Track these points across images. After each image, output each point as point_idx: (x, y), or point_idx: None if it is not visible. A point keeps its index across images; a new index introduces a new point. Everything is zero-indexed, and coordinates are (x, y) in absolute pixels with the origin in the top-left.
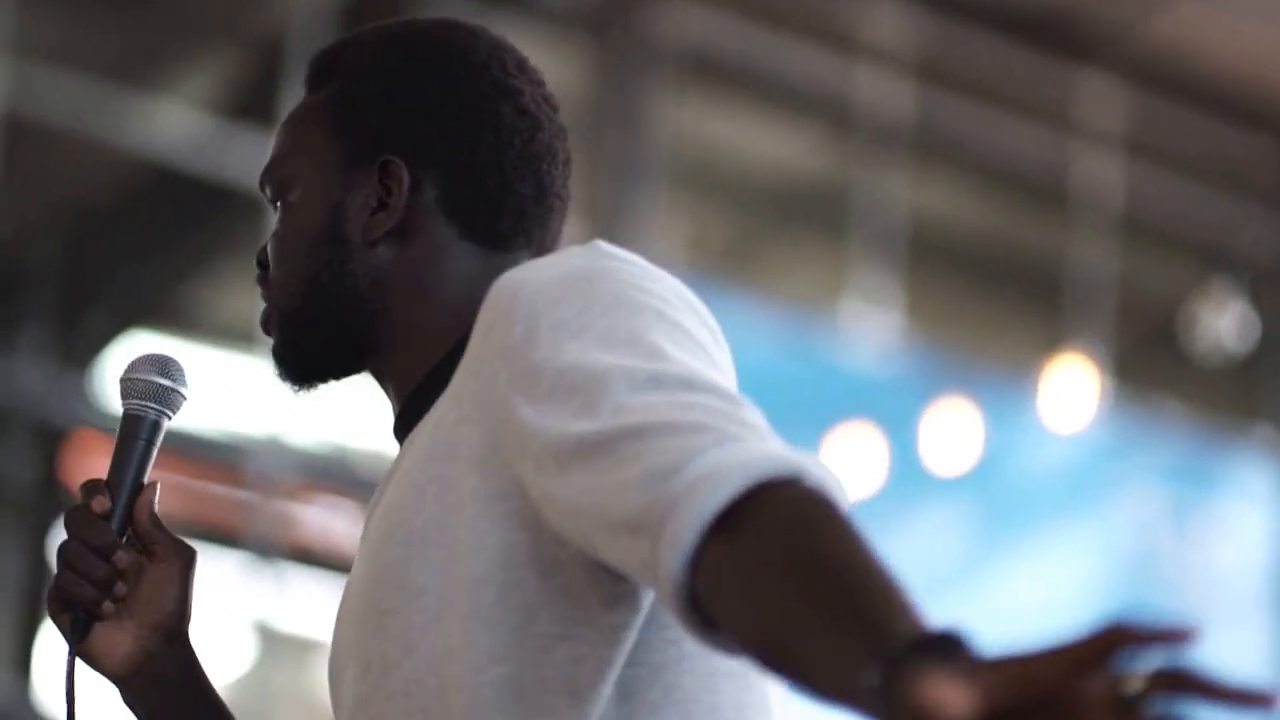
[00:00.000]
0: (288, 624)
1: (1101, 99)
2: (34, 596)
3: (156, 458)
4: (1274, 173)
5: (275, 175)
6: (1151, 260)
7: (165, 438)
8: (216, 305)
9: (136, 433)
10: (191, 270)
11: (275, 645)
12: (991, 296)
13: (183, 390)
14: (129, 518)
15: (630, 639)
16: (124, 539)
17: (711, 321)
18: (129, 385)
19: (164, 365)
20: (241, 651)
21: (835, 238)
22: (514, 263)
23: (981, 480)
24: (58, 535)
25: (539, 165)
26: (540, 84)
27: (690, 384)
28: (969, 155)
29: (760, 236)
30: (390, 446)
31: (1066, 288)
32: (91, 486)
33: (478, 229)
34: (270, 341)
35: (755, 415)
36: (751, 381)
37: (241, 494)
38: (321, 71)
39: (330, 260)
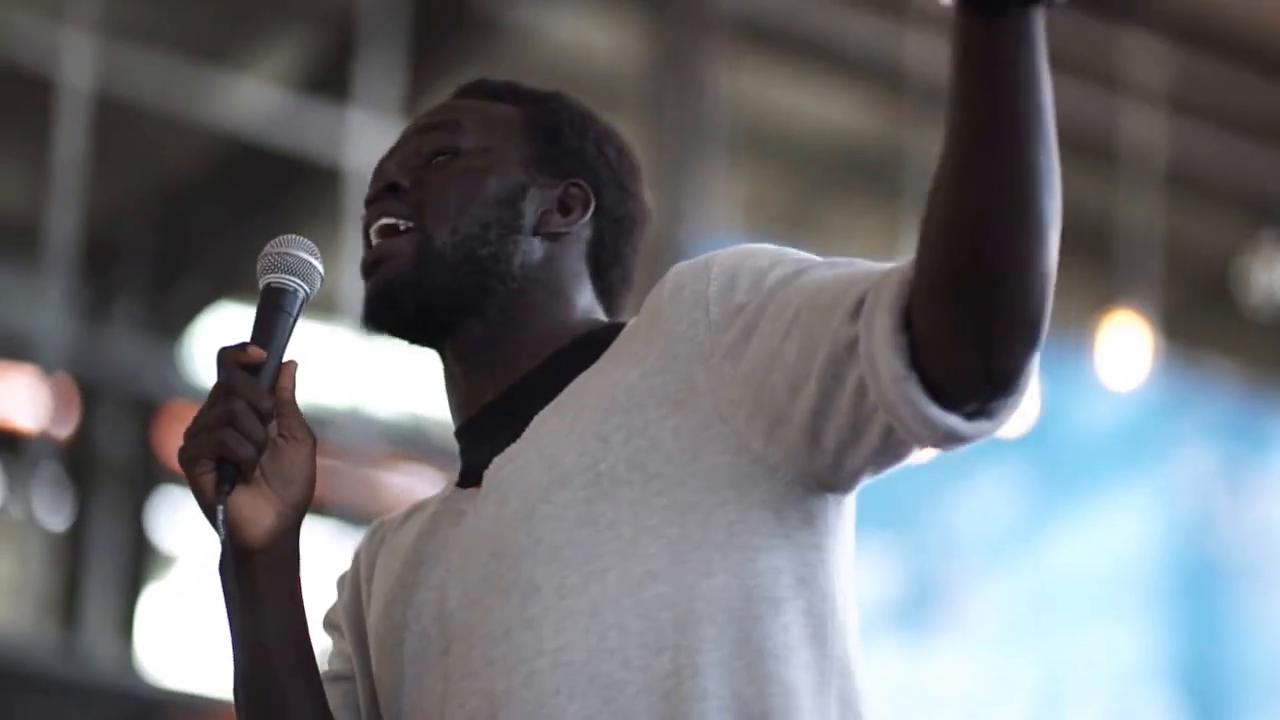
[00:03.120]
0: None
1: (1144, 57)
2: (134, 566)
3: None
4: None
5: (453, 134)
6: (1198, 216)
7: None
8: None
9: (280, 304)
10: None
11: None
12: None
13: (319, 267)
14: (272, 390)
15: (825, 560)
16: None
17: None
18: (272, 260)
19: (300, 243)
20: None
21: (890, 199)
22: (601, 312)
23: (1038, 441)
24: (155, 505)
25: (636, 257)
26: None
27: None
28: None
29: (816, 199)
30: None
31: (1116, 245)
32: (241, 347)
33: (602, 274)
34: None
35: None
36: None
37: (327, 463)
38: (497, 92)
39: (505, 222)
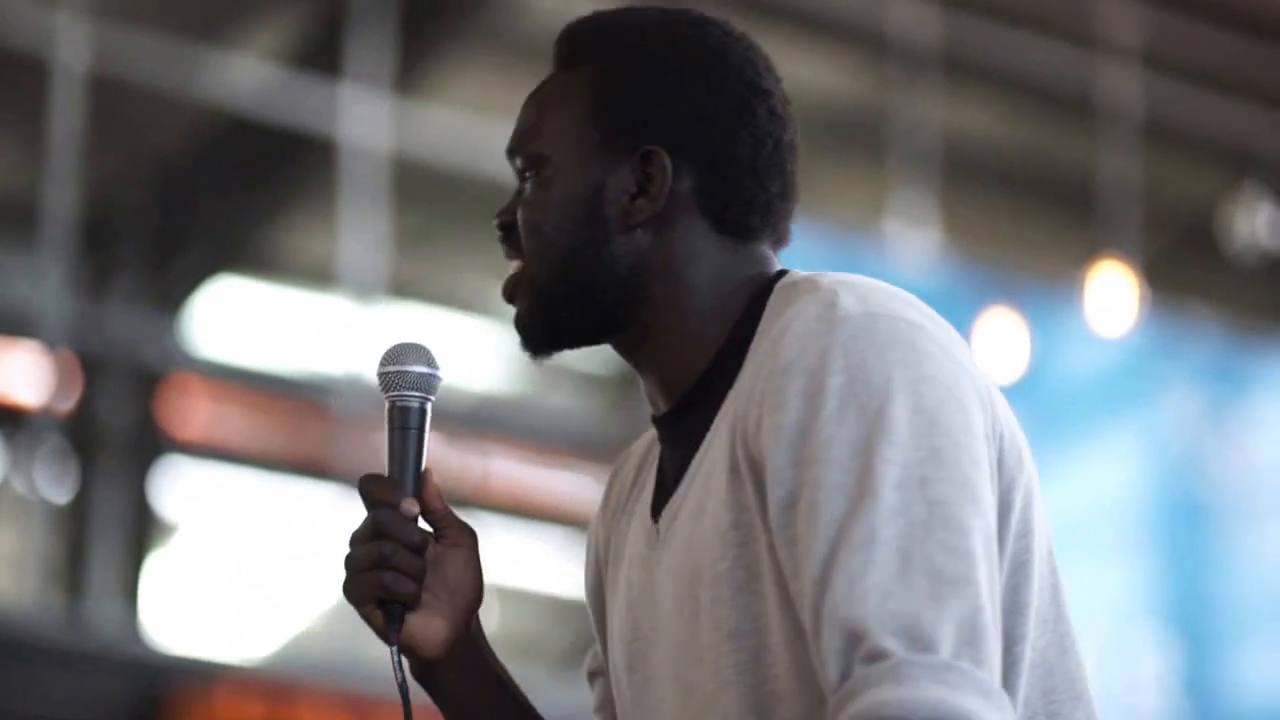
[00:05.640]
0: None
1: (1119, 16)
2: (138, 534)
3: (247, 396)
4: None
5: (528, 148)
6: (1177, 168)
7: (254, 377)
8: (296, 248)
9: (408, 423)
10: (270, 215)
11: None
12: (1024, 209)
13: (439, 374)
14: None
15: None
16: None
17: (969, 358)
18: (392, 378)
19: (417, 353)
20: (335, 583)
21: (874, 161)
22: (759, 255)
23: (1029, 388)
24: (158, 474)
25: (785, 164)
26: (780, 82)
27: (906, 561)
28: (996, 75)
29: (802, 162)
30: (479, 382)
31: (1097, 197)
32: (388, 484)
33: (728, 222)
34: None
35: (965, 604)
36: None
37: (328, 428)
38: (579, 50)
39: (591, 240)
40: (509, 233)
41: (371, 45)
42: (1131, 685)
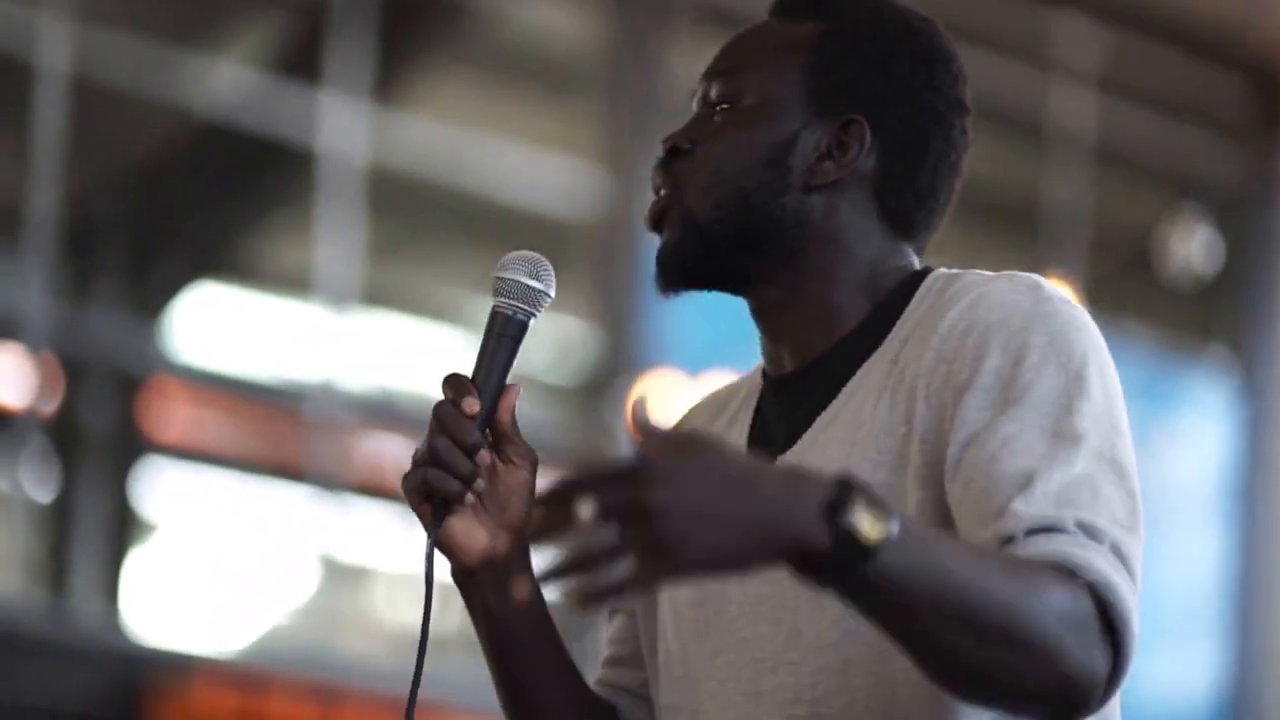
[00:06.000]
0: (349, 554)
1: (1076, 38)
2: (119, 533)
3: (225, 401)
4: (1237, 107)
5: (733, 80)
6: (1124, 190)
7: (232, 382)
8: (273, 256)
9: (504, 331)
10: (249, 222)
11: (337, 574)
12: (972, 228)
13: (550, 291)
14: (491, 417)
15: None
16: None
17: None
18: (501, 284)
19: (534, 266)
20: (306, 580)
21: None
22: (909, 250)
23: None
24: (138, 475)
25: (955, 179)
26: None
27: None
28: None
29: None
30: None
31: (1045, 218)
32: (460, 383)
33: (896, 213)
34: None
35: (1123, 507)
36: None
37: (302, 432)
38: (808, 6)
39: (769, 186)
40: (675, 157)
41: (351, 54)
42: None
